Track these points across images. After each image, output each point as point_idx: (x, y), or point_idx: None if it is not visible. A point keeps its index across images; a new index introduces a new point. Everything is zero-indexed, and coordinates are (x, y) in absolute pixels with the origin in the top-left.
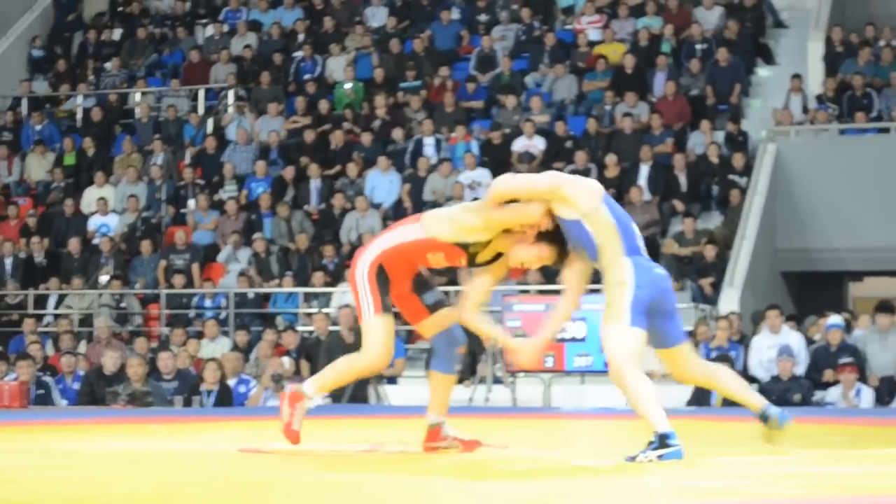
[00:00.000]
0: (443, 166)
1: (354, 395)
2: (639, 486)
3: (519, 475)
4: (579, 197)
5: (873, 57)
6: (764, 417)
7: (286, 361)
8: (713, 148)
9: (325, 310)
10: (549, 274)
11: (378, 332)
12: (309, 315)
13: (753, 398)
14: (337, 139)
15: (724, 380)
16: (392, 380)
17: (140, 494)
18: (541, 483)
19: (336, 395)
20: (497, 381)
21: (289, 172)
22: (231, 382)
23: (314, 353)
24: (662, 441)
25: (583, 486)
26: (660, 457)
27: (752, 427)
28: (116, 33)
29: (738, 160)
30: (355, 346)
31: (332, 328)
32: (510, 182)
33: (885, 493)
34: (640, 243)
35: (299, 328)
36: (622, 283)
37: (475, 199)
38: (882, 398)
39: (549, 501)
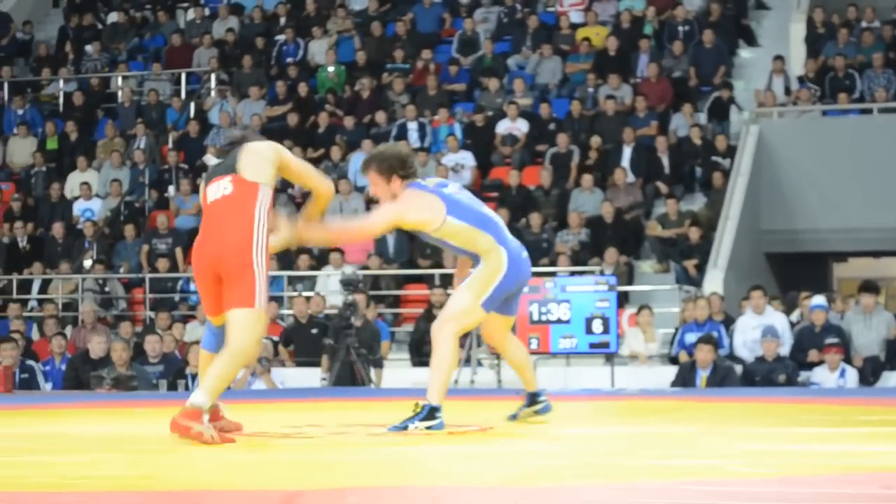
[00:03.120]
0: (419, 155)
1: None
2: (620, 465)
3: (498, 455)
4: (422, 223)
5: (855, 38)
6: (533, 398)
7: (266, 344)
8: (696, 130)
9: (305, 293)
10: (534, 256)
11: (263, 322)
12: (293, 298)
13: (532, 378)
14: (321, 122)
15: (518, 354)
16: (378, 363)
17: (122, 477)
18: (525, 461)
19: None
20: (479, 363)
21: None
22: None
23: (295, 337)
24: (432, 413)
25: (563, 466)
26: (428, 427)
27: (735, 407)
28: (98, 17)
29: (720, 142)
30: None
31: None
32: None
33: (865, 471)
34: (504, 228)
35: (284, 311)
36: (498, 269)
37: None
38: (866, 378)
39: (533, 479)
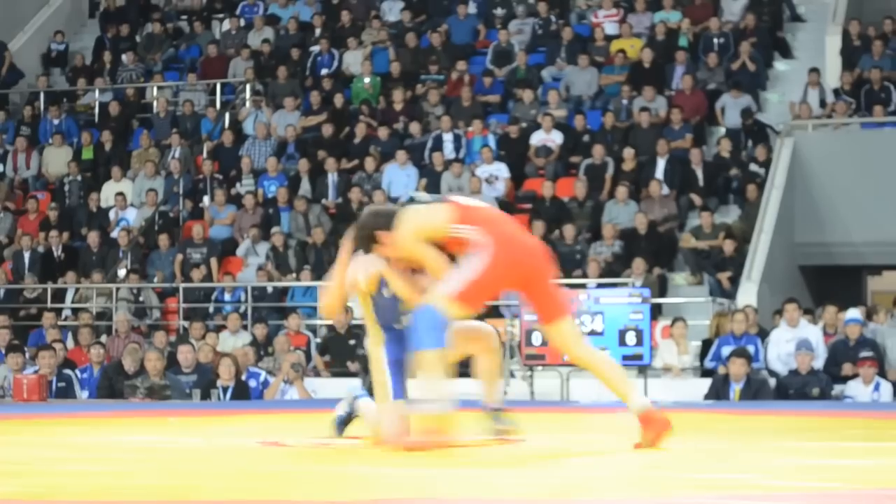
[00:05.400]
0: (454, 166)
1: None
2: (656, 479)
3: (531, 468)
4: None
5: (891, 51)
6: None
7: (299, 354)
8: (725, 142)
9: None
10: (567, 267)
11: None
12: None
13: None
14: (357, 133)
15: None
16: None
17: (158, 487)
18: (559, 474)
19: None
20: (512, 375)
21: (303, 165)
22: (241, 376)
23: (332, 347)
24: None
25: (598, 480)
26: None
27: (769, 420)
28: (134, 28)
29: (757, 154)
30: None
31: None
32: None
33: None
34: None
35: (317, 322)
36: None
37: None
38: None
39: (567, 493)
